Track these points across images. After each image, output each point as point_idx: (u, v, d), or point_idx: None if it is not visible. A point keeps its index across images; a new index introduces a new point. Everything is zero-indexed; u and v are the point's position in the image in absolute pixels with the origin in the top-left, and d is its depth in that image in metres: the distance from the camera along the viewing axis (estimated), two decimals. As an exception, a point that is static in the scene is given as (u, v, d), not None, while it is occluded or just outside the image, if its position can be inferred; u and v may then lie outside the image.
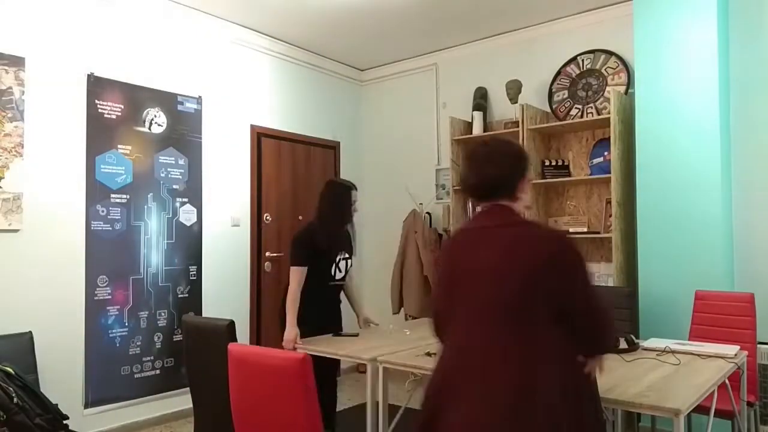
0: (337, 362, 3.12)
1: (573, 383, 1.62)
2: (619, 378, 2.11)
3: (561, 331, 1.61)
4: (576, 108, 4.31)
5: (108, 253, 3.70)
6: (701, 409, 2.23)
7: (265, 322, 4.71)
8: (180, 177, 4.13)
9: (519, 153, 1.79)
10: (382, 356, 2.63)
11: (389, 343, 2.90)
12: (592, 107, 4.23)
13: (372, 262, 5.68)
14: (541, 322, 1.59)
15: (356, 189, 3.20)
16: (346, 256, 3.23)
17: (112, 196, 3.75)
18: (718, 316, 3.12)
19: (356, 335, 3.13)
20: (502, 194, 1.75)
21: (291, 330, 2.97)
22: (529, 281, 1.58)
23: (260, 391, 1.92)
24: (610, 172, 3.83)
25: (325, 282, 3.15)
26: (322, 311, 3.18)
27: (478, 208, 1.81)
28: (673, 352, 2.56)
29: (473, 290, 1.66)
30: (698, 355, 2.50)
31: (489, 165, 1.76)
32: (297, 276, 3.06)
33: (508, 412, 1.51)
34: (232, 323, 2.50)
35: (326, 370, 3.06)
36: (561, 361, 1.60)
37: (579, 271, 1.63)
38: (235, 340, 2.38)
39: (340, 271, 3.20)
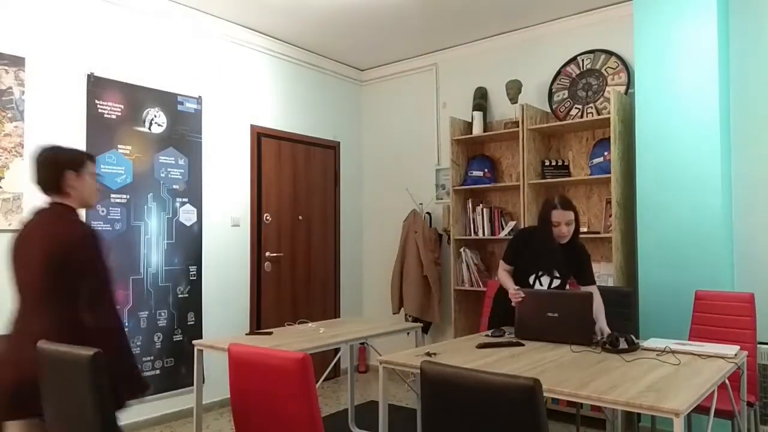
0: None
1: None
2: (618, 378, 2.11)
3: None
4: (576, 108, 4.31)
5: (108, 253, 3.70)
6: (701, 409, 2.23)
7: (266, 322, 4.71)
8: (180, 177, 4.14)
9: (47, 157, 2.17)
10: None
11: (299, 341, 3.00)
12: (592, 107, 4.23)
13: (372, 262, 5.68)
14: None
15: (560, 207, 2.95)
16: (557, 275, 3.07)
17: (112, 196, 3.75)
18: (718, 316, 3.12)
19: (270, 333, 3.25)
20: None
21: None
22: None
23: (260, 391, 1.91)
24: (610, 172, 3.83)
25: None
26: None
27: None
28: (673, 352, 2.56)
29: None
30: (698, 355, 2.50)
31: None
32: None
33: None
34: (99, 353, 1.83)
35: None
36: None
37: None
38: (103, 377, 1.83)
39: (541, 285, 3.09)
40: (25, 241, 2.12)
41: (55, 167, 2.13)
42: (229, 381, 2.03)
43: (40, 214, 2.14)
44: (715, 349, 2.57)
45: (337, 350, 5.30)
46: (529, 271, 3.10)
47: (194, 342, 3.08)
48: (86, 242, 2.05)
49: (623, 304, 3.55)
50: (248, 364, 1.94)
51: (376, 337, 3.37)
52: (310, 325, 3.54)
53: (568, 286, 3.17)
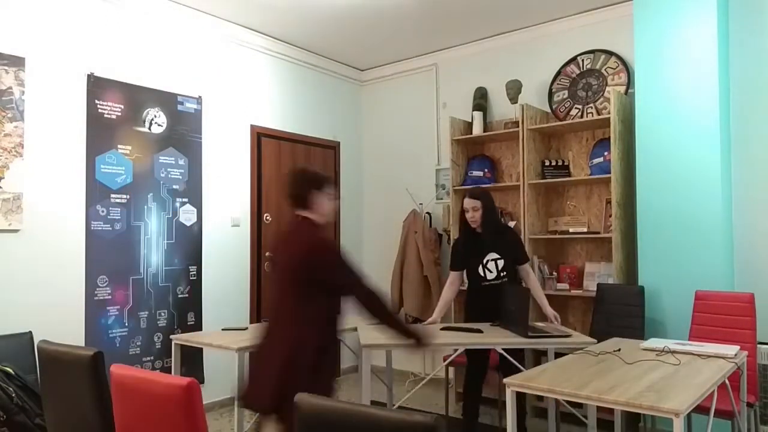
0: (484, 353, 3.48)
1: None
2: (618, 378, 2.11)
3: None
4: (576, 108, 4.31)
5: (108, 253, 3.71)
6: (701, 409, 2.24)
7: (265, 322, 4.71)
8: (180, 177, 4.14)
9: (307, 175, 2.44)
10: (252, 346, 2.80)
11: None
12: (592, 107, 4.23)
13: (372, 262, 5.68)
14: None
15: (468, 196, 3.45)
16: (497, 256, 3.46)
17: (112, 196, 3.75)
18: (718, 316, 3.12)
19: (245, 329, 3.38)
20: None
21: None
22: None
23: (144, 421, 1.68)
24: (610, 172, 3.83)
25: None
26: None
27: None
28: (673, 352, 2.56)
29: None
30: (698, 355, 2.50)
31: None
32: None
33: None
34: (99, 354, 1.92)
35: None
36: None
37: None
38: (103, 373, 1.92)
39: (489, 271, 3.47)
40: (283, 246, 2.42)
41: (305, 185, 2.41)
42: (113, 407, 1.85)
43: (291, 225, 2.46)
44: (714, 349, 2.57)
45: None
46: (476, 265, 3.47)
47: (172, 337, 3.23)
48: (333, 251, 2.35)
49: (633, 302, 3.57)
50: (131, 389, 1.70)
51: (350, 332, 3.42)
52: None
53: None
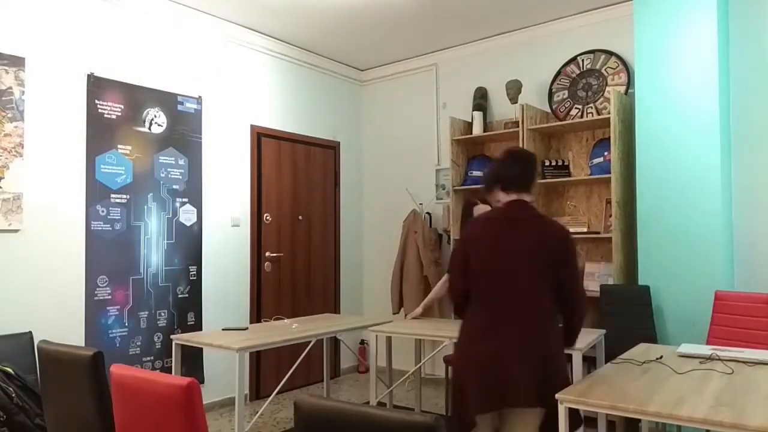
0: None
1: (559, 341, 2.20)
2: (676, 390, 1.96)
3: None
4: (576, 108, 4.31)
5: (108, 253, 3.71)
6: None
7: (265, 322, 4.72)
8: (180, 177, 4.14)
9: (535, 159, 2.36)
10: (252, 346, 2.92)
11: (270, 335, 3.15)
12: (592, 107, 4.23)
13: (372, 262, 5.68)
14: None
15: (481, 202, 3.52)
16: None
17: (112, 196, 3.75)
18: (737, 317, 3.04)
19: (246, 329, 3.39)
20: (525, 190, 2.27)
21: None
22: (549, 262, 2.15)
23: (145, 421, 1.67)
24: (610, 172, 3.83)
25: None
26: None
27: (506, 199, 2.28)
28: (721, 359, 2.38)
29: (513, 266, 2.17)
30: (744, 362, 2.34)
31: (518, 164, 2.28)
32: None
33: (536, 357, 2.11)
34: (99, 354, 1.93)
35: None
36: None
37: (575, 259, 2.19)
38: (103, 373, 1.92)
39: None
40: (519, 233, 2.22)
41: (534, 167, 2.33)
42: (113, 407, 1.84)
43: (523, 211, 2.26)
44: (757, 355, 2.41)
45: (337, 350, 5.31)
46: None
47: (172, 337, 3.22)
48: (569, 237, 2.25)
49: (640, 302, 3.55)
50: (131, 389, 1.70)
51: (348, 332, 3.53)
52: (285, 321, 3.67)
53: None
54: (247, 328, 3.40)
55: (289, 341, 3.08)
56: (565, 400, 1.95)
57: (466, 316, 2.25)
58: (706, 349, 2.55)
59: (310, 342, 3.26)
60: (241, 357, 2.83)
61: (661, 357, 2.48)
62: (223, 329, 3.41)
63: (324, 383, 4.16)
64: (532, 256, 2.14)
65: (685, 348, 2.60)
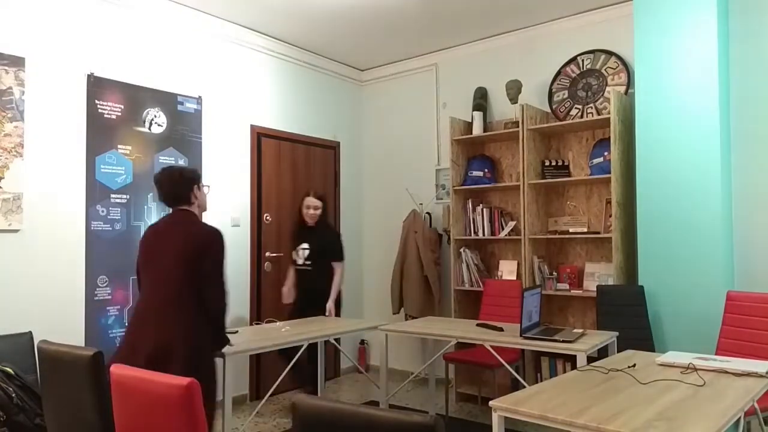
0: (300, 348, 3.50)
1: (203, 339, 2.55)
2: (626, 401, 1.86)
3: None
4: (576, 108, 4.31)
5: (108, 253, 3.71)
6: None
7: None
8: (180, 177, 4.13)
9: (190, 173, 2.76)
10: (238, 351, 2.90)
11: (259, 339, 3.13)
12: (592, 107, 4.23)
13: (372, 262, 5.68)
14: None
15: (310, 195, 4.24)
16: (306, 246, 4.21)
17: (112, 196, 3.75)
18: (750, 318, 2.97)
19: (236, 332, 3.37)
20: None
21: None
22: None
23: (144, 421, 1.67)
24: (610, 172, 3.83)
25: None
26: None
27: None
28: (697, 369, 2.27)
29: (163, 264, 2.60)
30: (724, 372, 2.23)
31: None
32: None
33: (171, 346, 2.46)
34: (99, 354, 1.95)
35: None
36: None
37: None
38: (103, 373, 1.93)
39: (298, 255, 4.21)
40: (162, 237, 2.67)
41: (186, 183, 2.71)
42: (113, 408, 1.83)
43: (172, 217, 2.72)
44: (743, 365, 2.27)
45: (337, 350, 5.30)
46: (294, 247, 4.27)
47: None
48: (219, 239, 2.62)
49: (633, 302, 3.54)
50: (131, 389, 1.70)
51: (341, 335, 3.52)
52: (276, 324, 3.65)
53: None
54: (237, 331, 3.36)
55: (277, 346, 3.08)
56: (498, 408, 1.89)
57: None
58: (687, 358, 2.44)
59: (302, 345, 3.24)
60: (228, 361, 2.78)
61: (634, 365, 2.38)
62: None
63: (319, 386, 4.16)
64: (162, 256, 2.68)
65: (667, 357, 2.49)
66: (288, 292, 4.28)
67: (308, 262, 4.17)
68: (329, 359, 5.07)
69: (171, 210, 2.74)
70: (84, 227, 3.60)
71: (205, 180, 4.33)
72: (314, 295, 4.14)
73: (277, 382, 3.26)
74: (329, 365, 5.19)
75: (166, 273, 2.56)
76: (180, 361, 2.42)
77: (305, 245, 4.19)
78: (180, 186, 2.69)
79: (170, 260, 2.56)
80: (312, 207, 4.18)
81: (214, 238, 2.59)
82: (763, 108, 3.57)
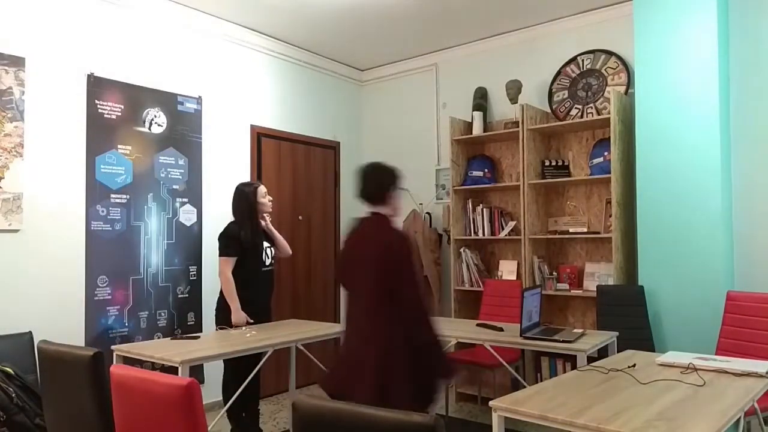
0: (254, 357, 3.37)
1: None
2: (626, 401, 1.86)
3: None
4: (576, 108, 4.31)
5: (108, 253, 3.71)
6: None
7: (265, 322, 4.71)
8: (180, 177, 4.14)
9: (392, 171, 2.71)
10: (196, 359, 2.69)
11: (220, 345, 2.93)
12: (592, 107, 4.23)
13: (372, 262, 5.67)
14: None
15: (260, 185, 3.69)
16: (268, 244, 3.71)
17: (112, 196, 3.75)
18: (750, 318, 2.96)
19: (197, 337, 3.18)
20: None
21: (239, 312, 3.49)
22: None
23: (145, 421, 1.66)
24: (610, 172, 3.83)
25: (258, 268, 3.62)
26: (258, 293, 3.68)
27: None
28: (697, 369, 2.27)
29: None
30: (724, 372, 2.23)
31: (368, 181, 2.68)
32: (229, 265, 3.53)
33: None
34: (99, 354, 1.95)
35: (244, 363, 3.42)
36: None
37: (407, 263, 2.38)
38: (103, 373, 1.91)
39: (267, 255, 3.68)
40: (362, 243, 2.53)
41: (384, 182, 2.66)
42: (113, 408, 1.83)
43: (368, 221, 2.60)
44: (743, 365, 2.27)
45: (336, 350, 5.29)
46: (259, 251, 3.60)
47: (113, 347, 2.95)
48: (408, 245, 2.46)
49: (633, 302, 3.54)
50: (131, 389, 1.69)
51: (307, 341, 3.27)
52: (242, 328, 3.43)
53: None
54: (198, 337, 3.19)
55: (239, 353, 2.87)
56: (498, 408, 1.89)
57: None
58: (687, 358, 2.43)
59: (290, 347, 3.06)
60: (184, 370, 2.60)
61: (634, 365, 2.38)
62: (171, 338, 3.22)
63: (288, 393, 3.98)
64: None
65: (667, 357, 2.48)
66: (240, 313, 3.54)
67: (273, 262, 3.74)
68: (328, 359, 5.06)
69: (365, 212, 2.70)
70: (84, 227, 3.60)
71: (205, 180, 4.33)
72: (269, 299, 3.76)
73: (239, 391, 3.08)
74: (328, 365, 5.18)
75: (362, 288, 2.47)
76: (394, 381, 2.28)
77: (267, 243, 3.72)
78: (383, 186, 2.70)
79: (364, 276, 2.45)
80: (269, 196, 3.71)
81: (404, 249, 2.45)
82: (763, 108, 3.57)
